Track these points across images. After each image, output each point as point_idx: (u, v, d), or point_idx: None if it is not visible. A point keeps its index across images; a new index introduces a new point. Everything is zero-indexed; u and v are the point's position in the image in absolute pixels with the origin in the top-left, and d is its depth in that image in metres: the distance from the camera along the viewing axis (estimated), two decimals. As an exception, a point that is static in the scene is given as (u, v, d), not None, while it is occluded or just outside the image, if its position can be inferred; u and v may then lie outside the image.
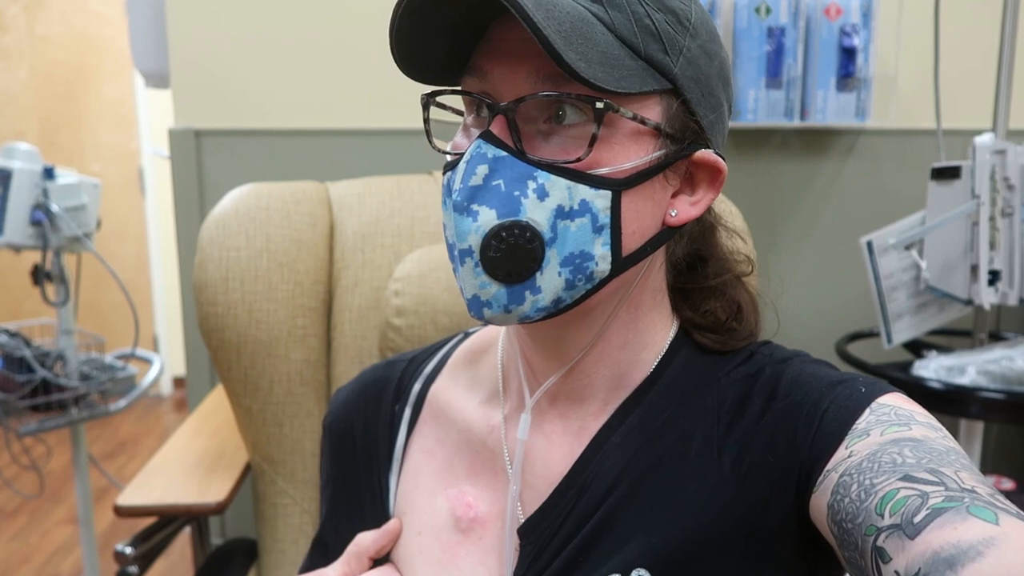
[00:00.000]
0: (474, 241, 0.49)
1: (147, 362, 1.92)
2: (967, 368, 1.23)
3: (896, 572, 0.40)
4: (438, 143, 0.56)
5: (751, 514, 0.52)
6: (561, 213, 0.50)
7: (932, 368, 1.27)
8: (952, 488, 0.42)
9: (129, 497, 1.05)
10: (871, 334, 1.48)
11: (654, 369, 0.59)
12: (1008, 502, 0.42)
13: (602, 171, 0.50)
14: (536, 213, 0.49)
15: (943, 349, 1.39)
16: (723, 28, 1.51)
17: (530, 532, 0.57)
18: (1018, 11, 1.29)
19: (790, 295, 1.66)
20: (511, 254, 0.49)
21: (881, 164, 1.65)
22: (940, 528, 0.39)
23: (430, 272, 1.03)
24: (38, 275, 1.65)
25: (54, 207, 1.56)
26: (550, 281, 0.51)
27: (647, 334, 0.59)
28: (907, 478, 0.43)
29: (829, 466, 0.49)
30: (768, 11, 1.54)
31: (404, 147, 1.55)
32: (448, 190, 0.52)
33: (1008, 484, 1.41)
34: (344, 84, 1.55)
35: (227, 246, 1.03)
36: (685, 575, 0.52)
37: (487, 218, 0.49)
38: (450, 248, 0.52)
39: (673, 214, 0.54)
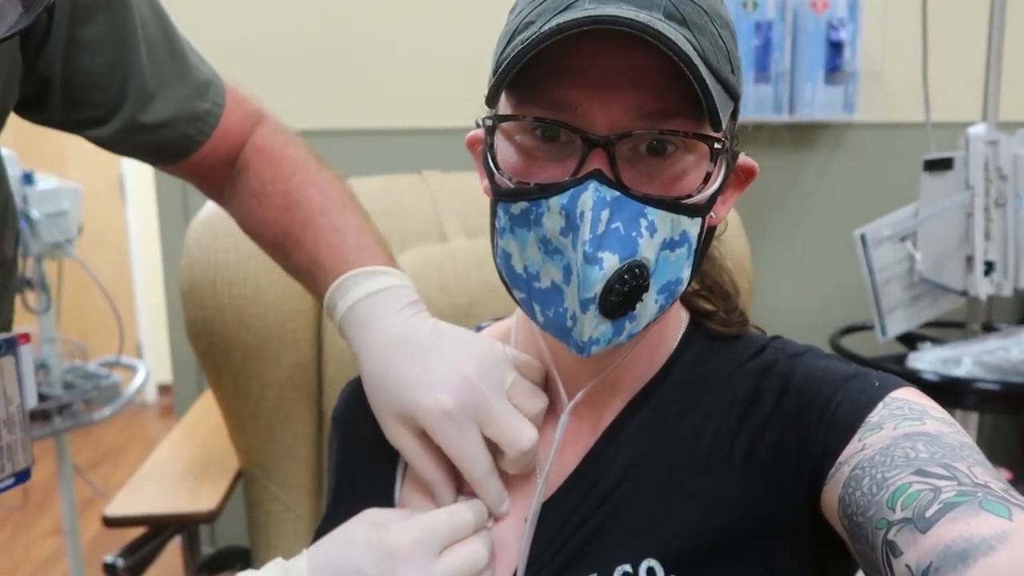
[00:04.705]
0: (599, 289, 0.48)
1: (132, 369, 1.89)
2: (963, 359, 1.23)
3: (907, 566, 0.39)
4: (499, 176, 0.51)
5: (762, 507, 0.52)
6: (665, 245, 0.50)
7: (928, 360, 1.27)
8: (965, 483, 0.41)
9: (118, 507, 1.03)
10: (865, 327, 1.48)
11: (665, 364, 0.59)
12: (1022, 498, 0.41)
13: (695, 199, 0.50)
14: (648, 250, 0.49)
15: (936, 341, 1.39)
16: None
17: (539, 524, 0.57)
18: (1006, 1, 1.29)
19: (783, 290, 1.66)
20: (631, 295, 0.49)
21: (870, 157, 1.65)
22: (952, 522, 0.38)
23: (422, 272, 1.01)
24: (19, 282, 1.62)
25: (34, 213, 1.53)
26: (648, 309, 0.51)
27: (668, 330, 0.59)
28: (920, 472, 0.43)
29: (841, 459, 0.49)
30: (755, 6, 1.54)
31: (393, 147, 1.54)
32: (533, 225, 0.49)
33: (1004, 474, 1.41)
34: (333, 84, 1.53)
35: (215, 248, 1.01)
36: (696, 567, 0.52)
37: (611, 264, 0.47)
38: (554, 292, 0.50)
39: (714, 215, 0.54)
